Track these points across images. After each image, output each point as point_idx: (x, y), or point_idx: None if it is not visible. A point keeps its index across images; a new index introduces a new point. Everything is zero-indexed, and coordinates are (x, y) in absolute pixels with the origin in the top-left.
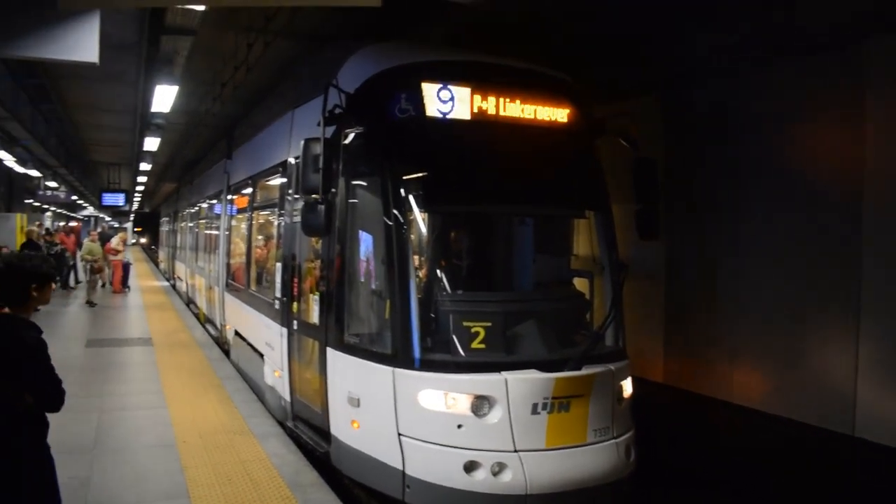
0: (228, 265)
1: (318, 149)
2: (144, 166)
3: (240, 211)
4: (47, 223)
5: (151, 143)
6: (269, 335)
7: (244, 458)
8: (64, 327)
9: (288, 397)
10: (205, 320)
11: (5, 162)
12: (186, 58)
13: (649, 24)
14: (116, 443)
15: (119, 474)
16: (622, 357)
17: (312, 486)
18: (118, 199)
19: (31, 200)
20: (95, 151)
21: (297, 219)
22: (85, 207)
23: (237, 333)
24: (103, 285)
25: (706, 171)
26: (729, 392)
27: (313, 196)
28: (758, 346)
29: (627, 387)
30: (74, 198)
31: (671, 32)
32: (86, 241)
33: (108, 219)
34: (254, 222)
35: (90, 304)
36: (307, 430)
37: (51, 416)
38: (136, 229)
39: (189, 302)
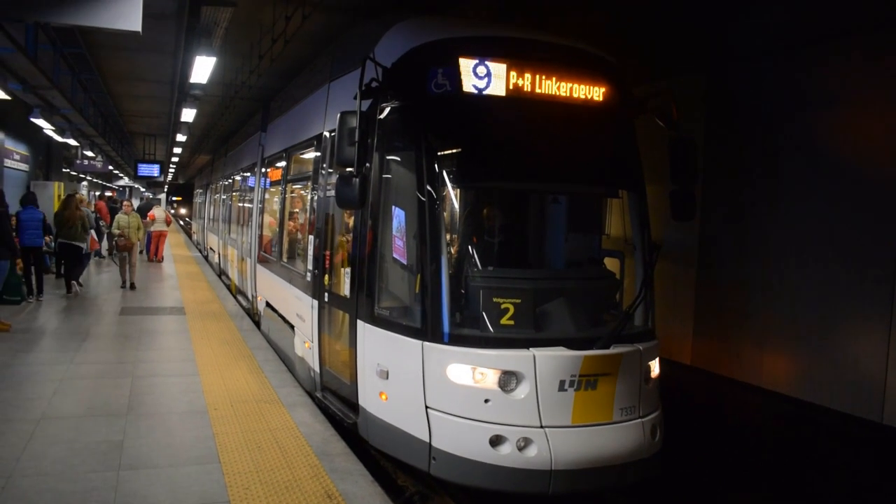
0: (261, 237)
1: (353, 122)
2: (180, 137)
3: (274, 184)
4: (83, 192)
5: (188, 115)
6: (299, 307)
7: (273, 427)
8: (98, 295)
9: (317, 368)
10: (236, 291)
11: (45, 131)
12: (225, 29)
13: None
14: (149, 408)
15: (151, 439)
16: (651, 337)
17: (340, 455)
18: (153, 170)
19: (68, 169)
20: (132, 122)
21: (331, 192)
22: (121, 178)
23: (268, 305)
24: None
25: (746, 154)
26: (758, 376)
27: (348, 169)
28: (789, 331)
29: (655, 367)
30: (110, 168)
31: (723, 9)
32: (119, 215)
33: (143, 190)
34: (287, 195)
35: (129, 286)
36: (335, 401)
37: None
38: (175, 198)
39: (221, 273)
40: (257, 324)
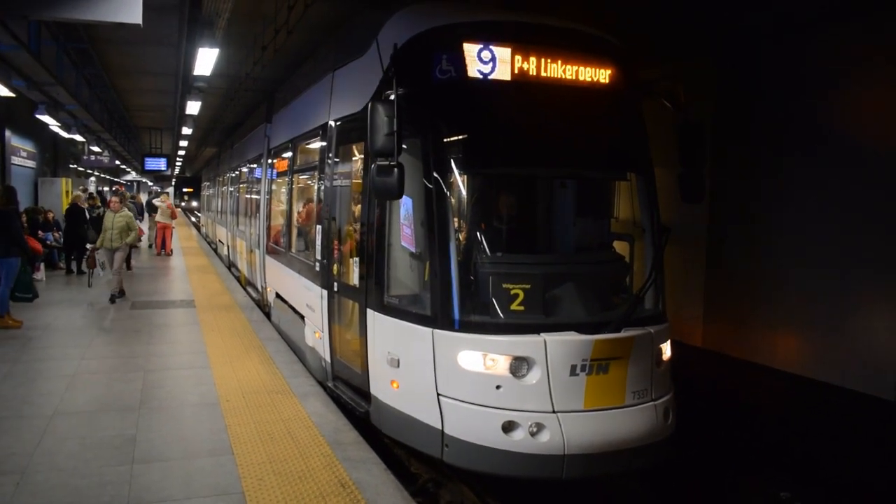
0: (269, 228)
1: (388, 110)
2: (186, 130)
3: (280, 174)
4: (91, 188)
5: (193, 107)
6: (309, 297)
7: (285, 417)
8: (108, 290)
9: (328, 358)
10: (246, 283)
11: (51, 127)
12: (228, 20)
13: None
14: (161, 402)
15: (165, 432)
16: (662, 320)
17: (352, 444)
18: (160, 164)
19: (75, 165)
20: (138, 116)
21: (338, 181)
22: (128, 172)
23: (278, 296)
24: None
25: (756, 134)
26: (770, 357)
27: (384, 159)
28: (801, 311)
29: (666, 350)
30: (117, 163)
31: None
32: (107, 214)
33: (151, 184)
34: (294, 185)
35: (116, 296)
36: (347, 390)
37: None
38: (186, 190)
39: (230, 265)
40: (267, 315)
